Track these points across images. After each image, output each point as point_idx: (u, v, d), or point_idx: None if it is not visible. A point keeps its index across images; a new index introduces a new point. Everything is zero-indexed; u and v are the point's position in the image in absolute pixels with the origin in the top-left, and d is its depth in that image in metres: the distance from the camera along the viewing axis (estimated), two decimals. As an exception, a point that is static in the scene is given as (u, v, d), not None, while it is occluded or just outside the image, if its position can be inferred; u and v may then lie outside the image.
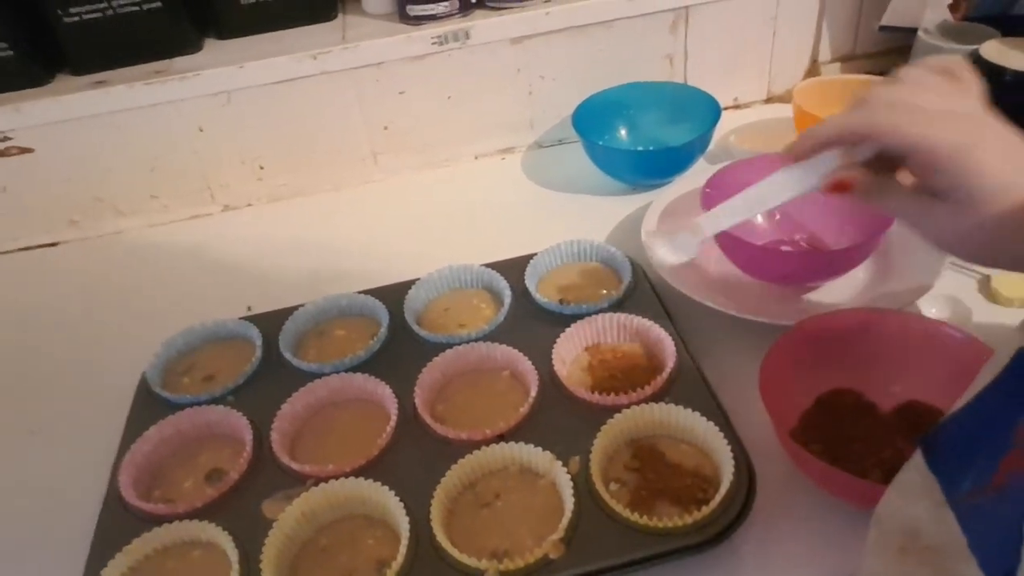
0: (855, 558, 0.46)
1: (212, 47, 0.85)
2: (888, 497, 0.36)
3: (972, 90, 0.42)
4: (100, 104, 0.79)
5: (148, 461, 0.56)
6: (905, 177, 0.42)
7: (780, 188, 0.44)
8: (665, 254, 0.51)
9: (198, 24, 0.85)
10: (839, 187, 0.43)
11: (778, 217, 0.71)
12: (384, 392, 0.57)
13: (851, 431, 0.51)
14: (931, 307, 0.61)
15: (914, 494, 0.35)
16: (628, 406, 0.53)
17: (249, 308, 0.71)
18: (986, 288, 0.63)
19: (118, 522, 0.52)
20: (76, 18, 0.78)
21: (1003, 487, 0.31)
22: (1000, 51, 0.76)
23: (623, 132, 0.89)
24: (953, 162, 0.37)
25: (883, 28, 0.90)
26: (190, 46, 0.83)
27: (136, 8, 0.78)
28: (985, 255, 0.40)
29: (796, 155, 0.44)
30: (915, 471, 0.36)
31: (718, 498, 0.46)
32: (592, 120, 0.85)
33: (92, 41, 0.79)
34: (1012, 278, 0.62)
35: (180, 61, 0.82)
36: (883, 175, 0.42)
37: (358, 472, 0.52)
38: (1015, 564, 0.28)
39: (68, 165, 0.82)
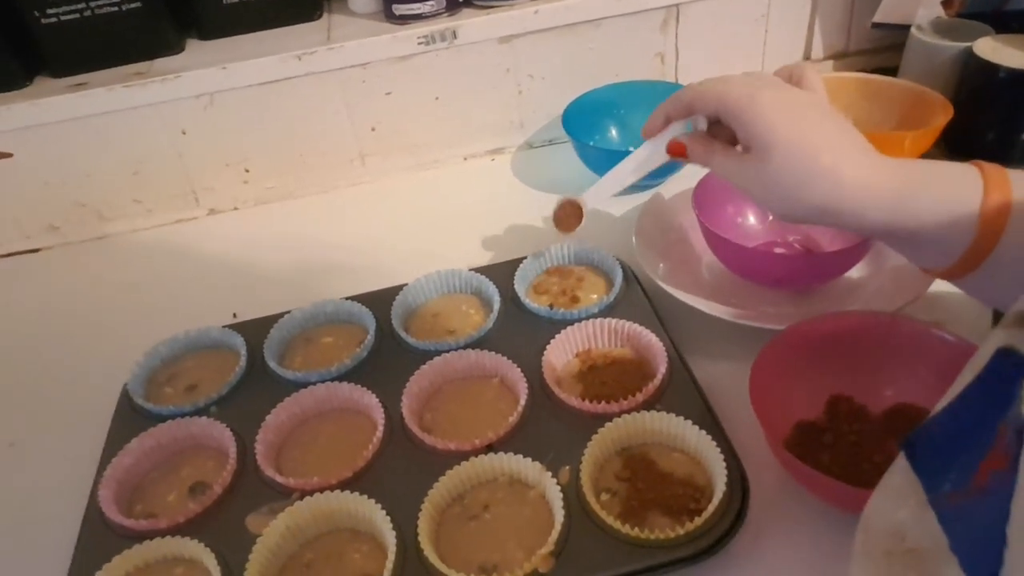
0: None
1: (194, 48, 0.83)
2: (873, 501, 0.36)
3: (810, 88, 0.48)
4: (80, 107, 0.77)
5: (129, 475, 0.55)
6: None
7: (641, 159, 0.56)
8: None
9: (179, 25, 0.83)
10: (676, 151, 0.53)
11: (771, 218, 0.70)
12: (371, 401, 0.56)
13: (845, 436, 0.50)
14: (925, 308, 0.60)
15: (898, 496, 0.35)
16: (619, 414, 0.52)
17: (235, 315, 0.70)
18: (981, 289, 0.62)
19: (98, 539, 0.51)
20: (54, 19, 0.76)
21: (984, 487, 0.30)
22: (994, 48, 0.75)
23: (614, 132, 0.88)
24: (744, 112, 0.44)
25: (876, 25, 0.89)
26: (171, 47, 0.81)
27: (115, 9, 0.77)
28: (788, 207, 0.45)
29: (647, 133, 0.54)
30: (899, 473, 0.36)
31: (711, 508, 0.45)
32: (582, 120, 0.83)
33: (70, 43, 0.78)
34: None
35: (161, 63, 0.80)
36: (718, 143, 0.49)
37: (344, 484, 0.51)
38: (998, 567, 0.27)
39: (48, 169, 0.81)
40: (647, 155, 0.55)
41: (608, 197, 0.60)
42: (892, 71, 0.86)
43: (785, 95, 0.46)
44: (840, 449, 0.50)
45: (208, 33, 0.84)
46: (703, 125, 0.51)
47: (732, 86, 0.46)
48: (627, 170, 0.57)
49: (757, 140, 0.44)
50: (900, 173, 0.43)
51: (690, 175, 0.70)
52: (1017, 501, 0.27)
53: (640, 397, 0.53)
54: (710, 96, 0.47)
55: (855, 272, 0.64)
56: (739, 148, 0.49)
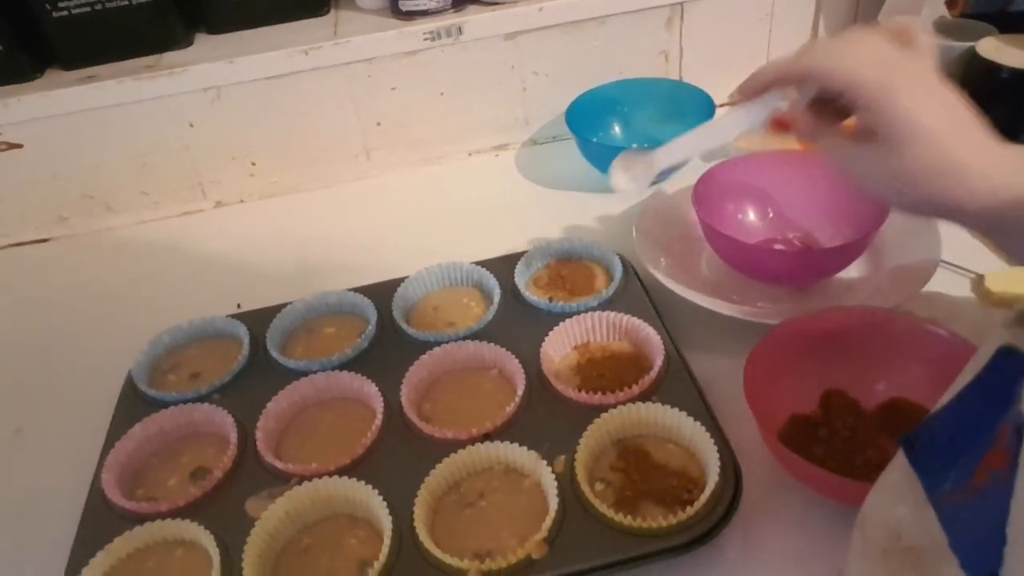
0: (841, 558, 0.46)
1: (202, 42, 0.84)
2: (871, 498, 0.36)
3: (921, 52, 0.43)
4: (89, 99, 0.78)
5: (132, 459, 0.56)
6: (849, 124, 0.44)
7: (730, 125, 0.48)
8: (622, 182, 0.54)
9: (188, 19, 0.84)
10: (780, 125, 0.46)
11: (771, 215, 0.70)
12: (370, 390, 0.57)
13: (838, 431, 0.51)
14: (923, 306, 0.60)
15: (896, 494, 0.35)
16: (615, 405, 0.52)
17: (239, 305, 0.71)
18: (979, 288, 0.62)
19: (101, 520, 0.51)
20: (65, 12, 0.77)
21: (984, 486, 0.30)
22: (997, 48, 0.75)
23: (617, 129, 0.88)
24: (878, 99, 0.40)
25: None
26: (180, 41, 0.83)
27: (125, 3, 0.78)
28: (907, 198, 0.42)
29: (744, 94, 0.47)
30: (898, 470, 0.36)
31: (703, 499, 0.46)
32: (586, 117, 0.84)
33: (81, 36, 0.79)
34: (1005, 277, 0.62)
35: (169, 56, 0.81)
36: (824, 119, 0.44)
37: (342, 471, 0.51)
38: (998, 566, 0.27)
39: (57, 161, 0.82)
40: (739, 120, 0.47)
41: (681, 159, 0.52)
42: (896, 71, 0.86)
43: (918, 77, 0.41)
44: (833, 443, 0.50)
45: (216, 27, 0.85)
46: (809, 96, 0.44)
47: (864, 67, 0.40)
48: (710, 132, 0.50)
49: (892, 131, 0.40)
50: (1021, 164, 0.40)
51: (691, 171, 0.71)
52: (1017, 500, 0.27)
53: (636, 389, 0.54)
54: (839, 75, 0.41)
55: (853, 270, 0.64)
56: (848, 125, 0.44)
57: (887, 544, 0.34)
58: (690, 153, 0.51)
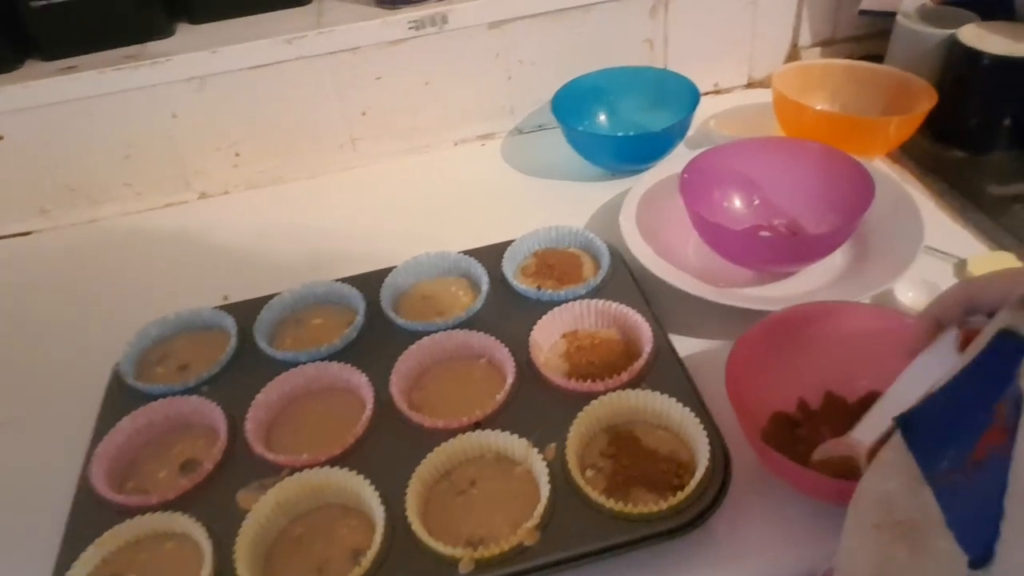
0: (829, 543, 0.46)
1: (184, 32, 0.83)
2: (866, 477, 0.37)
3: None
4: (70, 90, 0.77)
5: (121, 452, 0.55)
6: None
7: (921, 377, 0.41)
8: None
9: (169, 8, 0.83)
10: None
11: (757, 202, 0.71)
12: (360, 381, 0.57)
13: (819, 427, 0.51)
14: (907, 291, 0.61)
15: (890, 470, 0.36)
16: (604, 392, 0.53)
17: (226, 297, 0.70)
18: (962, 272, 0.63)
19: (90, 514, 0.51)
20: (44, 1, 0.76)
21: (981, 463, 0.31)
22: (978, 35, 0.76)
23: (603, 118, 0.88)
24: None
25: (863, 12, 0.89)
26: (161, 31, 0.81)
27: (105, -8, 0.77)
28: None
29: (917, 345, 0.43)
30: (892, 450, 0.36)
31: (693, 483, 0.46)
32: (572, 106, 0.84)
33: (61, 26, 0.78)
34: (988, 262, 0.63)
35: (152, 46, 0.80)
36: None
37: (333, 461, 0.51)
38: (994, 538, 0.28)
39: (38, 152, 0.81)
40: (927, 369, 0.42)
41: (885, 428, 0.44)
42: (879, 58, 0.87)
43: None
44: (815, 441, 0.50)
45: (199, 17, 0.84)
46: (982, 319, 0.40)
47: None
48: (906, 392, 0.43)
49: None
50: None
51: (678, 159, 0.71)
52: (1015, 471, 0.28)
53: (625, 376, 0.54)
54: (994, 287, 0.38)
55: (838, 255, 0.65)
56: None
57: (879, 519, 0.35)
58: (891, 416, 0.42)
